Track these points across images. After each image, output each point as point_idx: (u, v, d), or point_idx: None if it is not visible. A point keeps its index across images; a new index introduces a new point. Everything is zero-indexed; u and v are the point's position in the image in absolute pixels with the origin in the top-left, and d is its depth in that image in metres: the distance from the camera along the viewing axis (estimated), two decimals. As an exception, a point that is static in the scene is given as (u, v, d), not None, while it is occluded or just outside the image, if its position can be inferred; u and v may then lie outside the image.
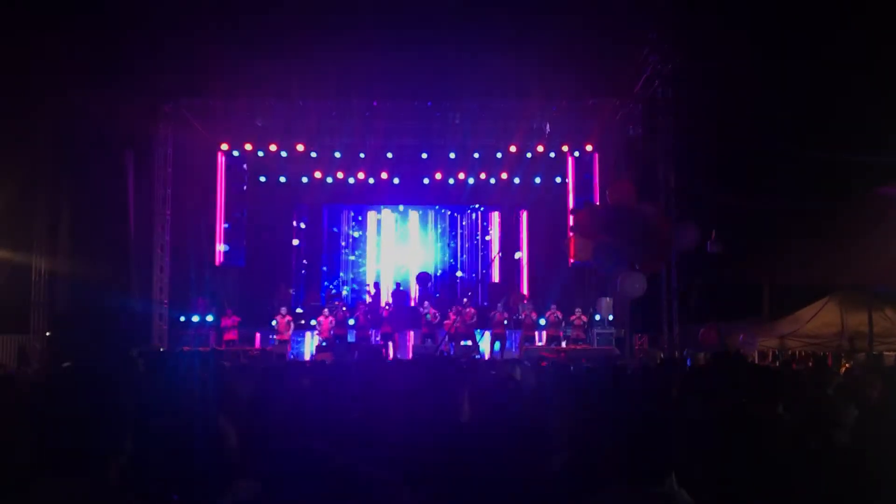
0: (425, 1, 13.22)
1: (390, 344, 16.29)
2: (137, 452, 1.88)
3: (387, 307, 16.91)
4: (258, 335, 16.47)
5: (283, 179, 18.18)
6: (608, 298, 16.28)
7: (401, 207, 20.09)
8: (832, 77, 12.90)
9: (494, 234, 20.16)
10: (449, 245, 20.22)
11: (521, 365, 6.30)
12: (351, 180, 18.19)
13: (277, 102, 15.62)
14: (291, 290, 18.41)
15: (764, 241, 13.81)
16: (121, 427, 1.83)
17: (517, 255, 19.39)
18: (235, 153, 17.50)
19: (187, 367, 3.45)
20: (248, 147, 16.94)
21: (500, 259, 19.67)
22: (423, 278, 18.74)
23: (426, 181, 18.08)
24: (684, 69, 13.55)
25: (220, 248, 17.25)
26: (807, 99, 13.25)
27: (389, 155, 17.46)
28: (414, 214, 20.20)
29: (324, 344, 15.86)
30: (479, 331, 16.32)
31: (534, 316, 16.13)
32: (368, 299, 18.17)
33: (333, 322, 16.08)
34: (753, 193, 13.65)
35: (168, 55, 13.26)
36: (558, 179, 18.21)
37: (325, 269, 19.98)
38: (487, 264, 19.95)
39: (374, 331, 16.54)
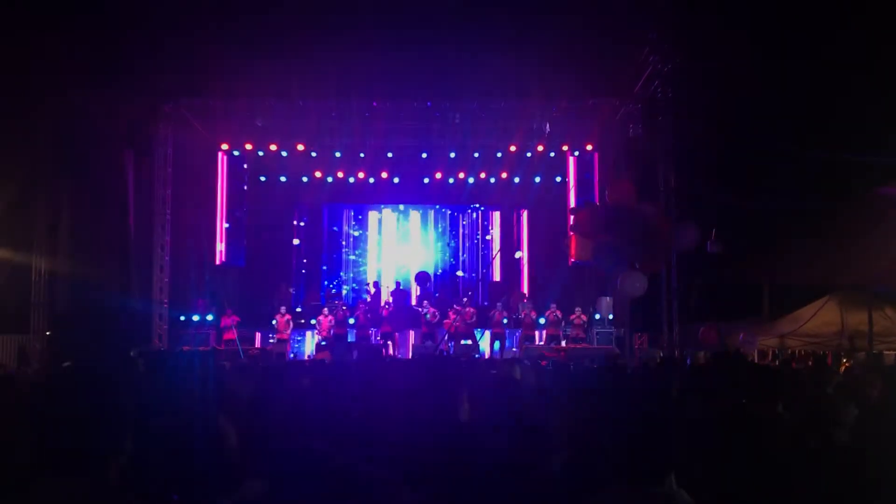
0: (425, 1, 13.22)
1: (390, 343, 16.30)
2: (137, 452, 1.88)
3: (386, 306, 16.91)
4: (258, 335, 16.49)
5: (283, 179, 18.19)
6: (608, 298, 16.28)
7: (401, 207, 20.09)
8: (832, 77, 12.89)
9: (495, 234, 20.16)
10: (449, 245, 20.23)
11: (521, 364, 6.29)
12: (351, 180, 18.20)
13: (277, 102, 15.62)
14: (291, 290, 18.42)
15: (764, 241, 13.80)
16: (121, 427, 1.83)
17: (518, 255, 19.39)
18: (236, 153, 17.52)
19: (187, 367, 3.45)
20: (249, 147, 16.96)
21: (500, 258, 19.67)
22: (422, 278, 18.74)
23: (426, 181, 18.09)
24: (684, 69, 13.54)
25: (221, 247, 17.25)
26: (807, 99, 13.25)
27: (389, 155, 17.47)
28: (415, 214, 20.21)
29: (323, 343, 15.88)
30: (479, 330, 16.33)
31: (533, 315, 16.14)
32: (368, 299, 18.17)
33: (333, 321, 16.09)
34: (753, 193, 13.64)
35: (168, 55, 13.26)
36: (558, 179, 18.21)
37: (324, 268, 19.99)
38: (487, 264, 19.96)
39: (374, 330, 16.54)
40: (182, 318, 15.83)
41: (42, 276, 14.18)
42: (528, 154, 17.11)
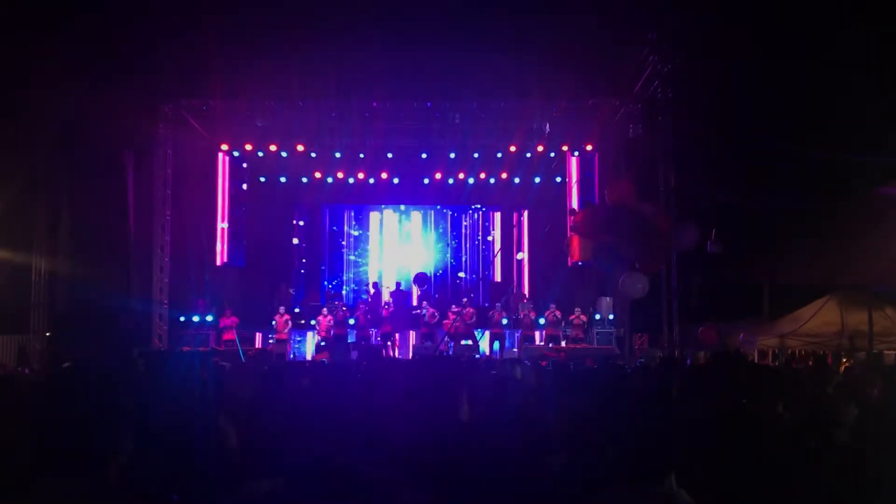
0: (425, 1, 13.22)
1: (390, 344, 16.30)
2: (137, 452, 1.88)
3: (386, 307, 16.91)
4: (259, 335, 16.49)
5: (283, 180, 18.19)
6: (608, 298, 16.29)
7: (402, 207, 20.10)
8: (832, 77, 12.89)
9: (496, 235, 20.16)
10: (449, 245, 20.23)
11: (522, 364, 6.29)
12: (351, 180, 18.20)
13: (277, 103, 15.63)
14: (291, 290, 18.42)
15: (764, 241, 13.79)
16: (121, 427, 1.83)
17: (519, 256, 19.40)
18: (235, 153, 17.53)
19: (187, 368, 3.45)
20: (248, 147, 16.96)
21: (500, 257, 19.67)
22: (420, 279, 18.74)
23: (426, 181, 18.09)
24: (684, 69, 13.54)
25: (221, 248, 17.26)
26: (807, 99, 13.24)
27: (389, 155, 17.48)
28: (415, 214, 20.21)
29: (322, 344, 15.87)
30: (479, 330, 16.33)
31: (532, 315, 16.14)
32: (368, 299, 18.17)
33: (332, 321, 16.09)
34: (753, 193, 13.64)
35: (168, 55, 13.27)
36: (558, 179, 18.22)
37: (324, 268, 19.99)
38: (488, 264, 19.96)
39: (374, 331, 16.55)
40: (182, 318, 15.83)
41: (42, 277, 14.19)
42: (528, 154, 17.11)
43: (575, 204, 17.08)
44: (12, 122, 12.53)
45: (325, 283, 19.83)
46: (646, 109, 15.06)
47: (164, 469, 2.44)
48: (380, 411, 2.95)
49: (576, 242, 13.95)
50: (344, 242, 20.13)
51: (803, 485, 2.84)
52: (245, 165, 18.22)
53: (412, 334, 16.63)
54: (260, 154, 17.15)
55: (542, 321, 16.12)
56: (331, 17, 12.88)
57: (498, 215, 20.12)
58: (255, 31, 13.08)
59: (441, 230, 20.23)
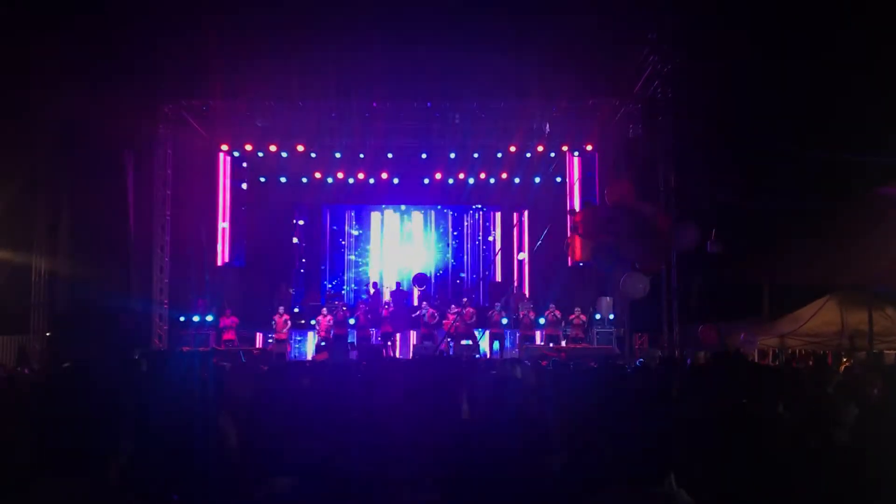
0: (425, 1, 13.22)
1: (390, 344, 16.30)
2: (137, 452, 1.88)
3: (386, 307, 16.92)
4: (260, 335, 16.49)
5: (283, 180, 18.19)
6: (608, 298, 16.29)
7: (402, 207, 20.10)
8: (832, 77, 12.89)
9: (497, 235, 20.17)
10: (450, 245, 20.22)
11: (522, 364, 6.29)
12: (351, 181, 18.20)
13: (277, 103, 15.63)
14: (291, 291, 18.42)
15: (764, 241, 13.78)
16: (121, 427, 1.83)
17: (521, 256, 19.41)
18: (235, 154, 17.53)
19: (187, 368, 3.45)
20: (248, 148, 16.96)
21: (500, 257, 19.68)
22: (420, 279, 18.73)
23: (426, 181, 18.09)
24: (684, 69, 13.54)
25: (222, 248, 17.26)
26: (807, 99, 13.24)
27: (389, 155, 17.47)
28: (416, 214, 20.21)
29: (322, 344, 15.87)
30: (479, 330, 16.33)
31: (532, 315, 16.14)
32: (367, 298, 18.17)
33: (332, 321, 16.09)
34: (753, 193, 13.63)
35: (168, 56, 13.27)
36: (558, 179, 18.22)
37: (324, 268, 19.98)
38: (489, 264, 19.96)
39: (374, 331, 16.54)
40: (182, 318, 15.83)
41: (42, 277, 14.19)
42: (528, 154, 17.12)
43: (577, 204, 17.09)
44: (12, 122, 12.54)
45: (326, 283, 19.82)
46: (646, 109, 15.06)
47: (164, 469, 2.44)
48: (380, 411, 2.95)
49: (577, 242, 13.96)
50: (343, 242, 20.12)
51: (803, 485, 2.84)
52: (245, 165, 18.22)
53: (412, 334, 16.64)
54: (260, 154, 17.15)
55: (542, 321, 16.12)
56: (331, 17, 12.89)
57: (498, 215, 20.12)
58: (255, 31, 13.08)
59: (442, 230, 20.22)
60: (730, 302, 14.84)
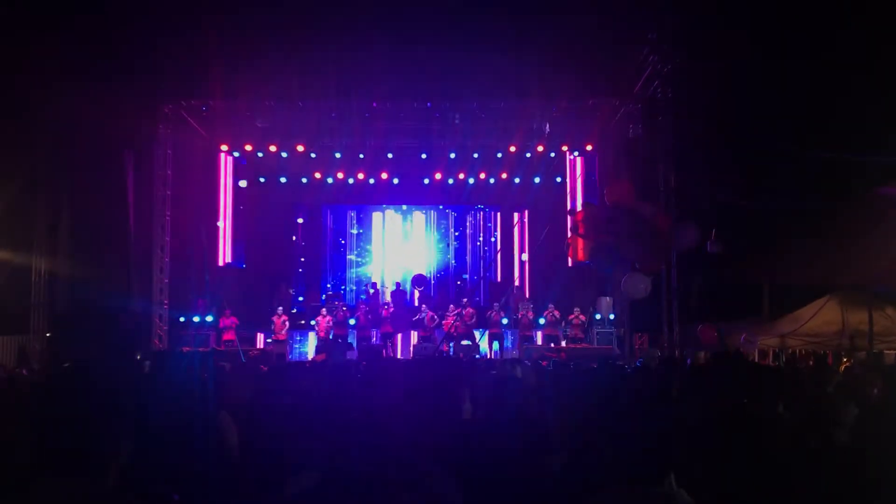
0: (425, 1, 13.22)
1: (390, 344, 16.30)
2: (138, 452, 1.88)
3: (385, 307, 16.92)
4: (261, 335, 16.49)
5: (283, 180, 18.19)
6: (608, 298, 16.29)
7: (403, 207, 20.10)
8: (832, 77, 12.88)
9: (498, 235, 20.17)
10: (450, 246, 20.22)
11: (522, 364, 6.29)
12: (351, 181, 18.20)
13: (277, 103, 15.62)
14: (291, 291, 18.42)
15: (764, 241, 13.78)
16: (121, 427, 1.83)
17: (523, 257, 19.42)
18: (235, 154, 17.53)
19: (187, 368, 3.45)
20: (248, 148, 16.96)
21: (500, 257, 19.68)
22: (419, 280, 18.73)
23: (426, 181, 18.09)
24: (684, 69, 13.54)
25: (222, 248, 17.27)
26: (807, 99, 13.23)
27: (389, 155, 17.48)
28: (417, 214, 20.21)
29: (321, 344, 15.87)
30: (479, 330, 16.33)
31: (530, 315, 16.13)
32: (365, 299, 18.17)
33: (331, 322, 16.09)
34: (753, 193, 13.63)
35: (168, 55, 13.26)
36: (558, 179, 18.22)
37: (325, 269, 19.99)
38: (489, 264, 19.95)
39: (375, 331, 16.54)
40: (182, 318, 15.83)
41: (42, 277, 14.19)
42: (528, 154, 17.12)
43: (579, 204, 17.09)
44: (12, 122, 12.53)
45: (327, 283, 19.83)
46: (646, 109, 15.06)
47: (164, 469, 2.44)
48: (379, 411, 2.95)
49: (579, 243, 13.96)
50: (343, 241, 20.12)
51: (803, 485, 2.84)
52: (244, 162, 18.21)
53: (413, 334, 16.64)
54: (260, 154, 17.16)
55: (541, 321, 16.12)
56: (331, 17, 12.88)
57: (498, 215, 20.13)
58: (255, 31, 13.07)
59: (443, 230, 20.23)
60: (730, 302, 14.83)
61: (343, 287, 19.79)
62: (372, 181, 18.21)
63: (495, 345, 16.03)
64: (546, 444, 2.98)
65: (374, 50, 13.19)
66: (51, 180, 14.07)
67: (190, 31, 12.67)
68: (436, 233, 20.22)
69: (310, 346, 16.20)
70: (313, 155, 17.17)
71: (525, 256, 19.39)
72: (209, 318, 15.81)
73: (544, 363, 10.54)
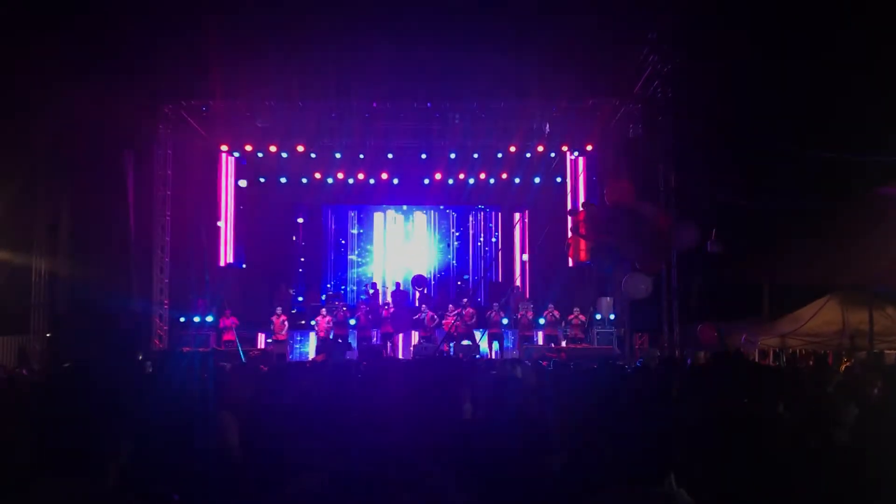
0: (425, 1, 13.22)
1: (390, 344, 16.30)
2: (137, 452, 1.88)
3: (386, 307, 16.92)
4: (262, 335, 16.48)
5: (283, 180, 18.19)
6: (608, 298, 16.29)
7: (404, 207, 20.10)
8: (832, 77, 12.88)
9: (498, 235, 20.17)
10: (451, 245, 20.22)
11: (522, 364, 6.30)
12: (351, 181, 18.20)
13: (277, 103, 15.62)
14: (291, 291, 18.42)
15: (764, 241, 13.78)
16: (121, 427, 1.83)
17: (523, 257, 19.42)
18: (236, 154, 17.53)
19: (187, 368, 3.45)
20: (248, 148, 16.96)
21: (500, 257, 19.69)
22: (418, 280, 18.73)
23: (426, 181, 18.09)
24: (684, 69, 13.55)
25: (223, 248, 17.28)
26: (807, 99, 13.24)
27: (389, 155, 17.47)
28: (418, 215, 20.21)
29: (321, 344, 15.87)
30: (480, 331, 16.33)
31: (530, 315, 16.13)
32: (365, 299, 18.17)
33: (331, 322, 16.08)
34: (753, 193, 13.63)
35: (168, 56, 13.26)
36: (558, 179, 18.22)
37: (325, 269, 19.99)
38: (488, 265, 19.95)
39: (375, 331, 16.54)
40: (182, 319, 15.82)
41: (42, 277, 14.19)
42: (528, 154, 17.12)
43: (580, 204, 17.07)
44: (12, 122, 12.53)
45: (327, 283, 19.83)
46: (646, 109, 15.07)
47: (164, 469, 2.44)
48: (380, 412, 2.95)
49: (580, 242, 13.96)
50: (343, 241, 20.12)
51: (803, 485, 2.84)
52: (244, 162, 18.21)
53: (413, 334, 16.64)
54: (260, 155, 17.16)
55: (541, 321, 16.12)
56: (331, 17, 12.89)
57: (499, 216, 20.13)
58: (255, 31, 13.08)
59: (443, 230, 20.23)
60: (730, 302, 14.84)
61: (343, 287, 19.79)
62: (372, 181, 18.21)
63: (495, 345, 16.02)
64: (546, 444, 2.98)
65: (374, 50, 13.20)
66: (51, 180, 14.07)
67: (190, 31, 12.67)
68: (436, 233, 20.22)
69: (310, 347, 16.19)
70: (313, 155, 17.17)
71: (525, 256, 19.38)
72: (209, 319, 15.80)
73: (544, 363, 10.54)
